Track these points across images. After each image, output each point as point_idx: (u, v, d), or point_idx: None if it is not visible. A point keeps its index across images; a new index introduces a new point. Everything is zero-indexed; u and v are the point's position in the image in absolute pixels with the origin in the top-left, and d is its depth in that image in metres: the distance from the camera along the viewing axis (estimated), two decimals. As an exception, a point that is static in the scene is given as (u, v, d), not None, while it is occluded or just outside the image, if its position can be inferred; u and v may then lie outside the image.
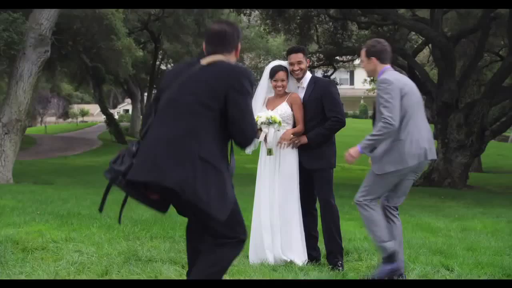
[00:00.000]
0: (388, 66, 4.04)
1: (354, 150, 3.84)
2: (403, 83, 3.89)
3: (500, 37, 18.88)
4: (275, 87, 4.60)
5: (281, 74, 4.58)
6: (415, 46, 19.25)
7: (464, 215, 8.27)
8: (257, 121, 4.39)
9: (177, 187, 2.54)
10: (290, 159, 4.51)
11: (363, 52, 4.09)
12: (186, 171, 2.56)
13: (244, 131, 2.71)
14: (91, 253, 4.12)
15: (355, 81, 46.74)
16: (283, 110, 4.54)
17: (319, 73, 30.39)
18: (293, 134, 4.50)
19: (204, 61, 2.79)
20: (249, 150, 4.79)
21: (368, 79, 26.48)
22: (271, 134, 4.42)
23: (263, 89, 4.71)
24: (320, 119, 4.43)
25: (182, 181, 2.54)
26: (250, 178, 4.79)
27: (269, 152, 4.46)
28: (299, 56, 4.59)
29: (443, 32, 15.10)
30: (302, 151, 4.51)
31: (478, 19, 14.07)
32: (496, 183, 16.52)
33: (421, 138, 3.87)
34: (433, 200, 10.91)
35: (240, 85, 2.70)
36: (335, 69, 21.06)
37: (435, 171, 15.07)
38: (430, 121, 21.92)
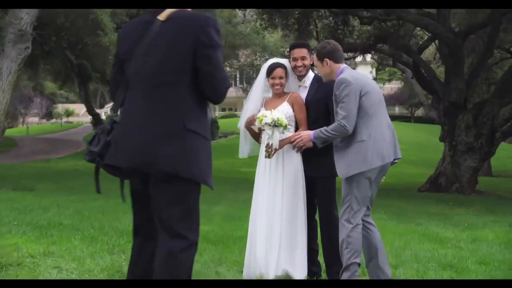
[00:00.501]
0: (344, 65, 4.14)
1: (306, 135, 4.08)
2: (363, 82, 4.01)
3: (511, 33, 18.85)
4: (272, 85, 4.50)
5: (279, 71, 4.48)
6: (421, 42, 19.18)
7: (474, 223, 8.21)
8: (261, 120, 4.29)
9: (169, 168, 2.52)
10: (294, 165, 4.40)
11: (315, 57, 4.17)
12: (176, 149, 2.54)
13: (216, 87, 2.66)
14: (71, 270, 4.00)
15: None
16: (285, 111, 4.44)
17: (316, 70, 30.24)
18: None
19: (162, 17, 2.70)
20: (244, 154, 4.70)
21: (371, 76, 26.52)
22: (276, 138, 4.31)
23: (259, 88, 4.60)
24: (324, 121, 4.33)
25: (175, 160, 2.53)
26: (247, 183, 4.68)
27: (268, 156, 4.34)
28: (303, 52, 4.50)
29: (450, 28, 15.04)
30: (304, 157, 4.41)
31: (488, 14, 14.00)
32: (507, 188, 16.48)
33: (383, 138, 4.00)
34: (440, 207, 10.86)
35: (208, 38, 2.63)
36: (335, 67, 20.89)
37: (442, 175, 15.02)
38: (436, 122, 22.02)
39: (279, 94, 4.52)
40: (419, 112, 44.70)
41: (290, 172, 4.37)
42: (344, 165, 3.99)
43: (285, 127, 4.29)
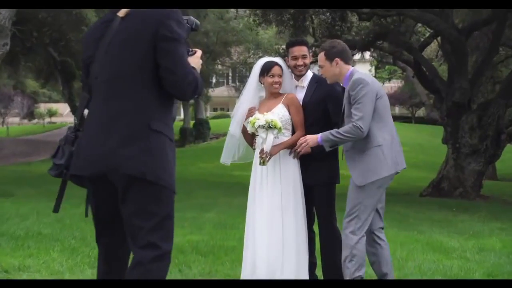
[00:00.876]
0: (352, 67, 4.14)
1: (312, 139, 3.97)
2: (378, 85, 4.04)
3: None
4: (271, 84, 4.39)
5: (278, 69, 4.39)
6: (422, 39, 19.13)
7: (480, 231, 8.15)
8: (253, 124, 4.19)
9: (135, 171, 2.46)
10: (292, 172, 4.30)
11: (322, 56, 4.09)
12: (141, 151, 2.49)
13: (177, 84, 2.58)
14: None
15: (355, 78, 46.52)
16: (281, 114, 4.34)
17: (315, 69, 30.21)
18: (293, 143, 4.27)
19: (121, 13, 2.65)
20: (227, 161, 4.60)
21: (369, 73, 26.29)
22: (269, 141, 4.20)
23: (252, 89, 4.50)
24: (323, 124, 4.23)
25: (140, 163, 2.48)
26: (240, 188, 4.59)
27: (262, 162, 4.23)
28: (304, 49, 4.43)
29: (454, 24, 14.98)
30: (301, 163, 4.31)
31: (493, 10, 13.94)
32: (512, 192, 16.45)
33: (396, 144, 4.03)
34: (444, 213, 10.80)
35: (169, 31, 2.57)
36: (333, 65, 20.82)
37: (445, 179, 14.95)
38: (439, 123, 21.97)
39: (274, 95, 4.42)
40: (420, 112, 44.74)
41: (288, 179, 4.27)
42: (360, 171, 3.93)
43: (280, 129, 4.20)
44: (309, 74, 4.49)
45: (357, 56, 23.11)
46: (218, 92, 46.27)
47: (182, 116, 38.98)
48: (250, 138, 4.43)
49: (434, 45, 23.21)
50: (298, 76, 4.48)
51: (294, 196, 4.25)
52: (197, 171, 20.43)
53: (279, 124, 4.19)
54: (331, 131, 3.96)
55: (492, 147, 14.57)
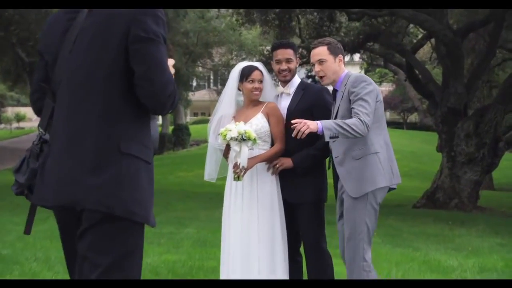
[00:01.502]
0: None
1: (313, 124, 3.67)
2: (378, 88, 3.97)
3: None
4: (250, 90, 4.24)
5: (258, 74, 4.25)
6: (415, 41, 19.10)
7: (479, 248, 8.03)
8: (225, 136, 4.00)
9: (101, 206, 2.18)
10: (269, 186, 4.14)
11: (324, 50, 3.98)
12: (108, 180, 2.19)
13: (155, 95, 2.28)
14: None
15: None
16: (259, 124, 4.17)
17: (301, 73, 30.37)
18: (271, 157, 4.11)
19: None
20: (212, 176, 4.41)
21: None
22: (244, 155, 4.02)
23: (229, 96, 4.34)
24: (308, 136, 4.05)
25: (107, 195, 2.18)
26: (221, 198, 4.43)
27: (237, 178, 4.06)
28: (289, 53, 4.27)
29: (448, 25, 14.93)
30: (283, 179, 4.12)
31: (489, 10, 13.92)
32: (510, 204, 16.42)
33: (391, 154, 3.92)
34: (439, 227, 10.69)
35: (143, 29, 2.24)
36: (321, 68, 20.73)
37: (440, 189, 14.88)
38: (432, 129, 21.97)
39: (254, 103, 4.25)
40: (413, 117, 44.88)
41: (265, 197, 4.11)
42: (355, 181, 3.79)
43: (254, 141, 4.01)
44: (296, 80, 4.34)
45: (346, 58, 22.92)
46: (199, 96, 46.10)
47: (160, 121, 38.68)
48: (227, 150, 4.26)
49: (427, 47, 23.23)
50: (283, 82, 4.32)
51: (272, 216, 4.08)
52: (176, 181, 20.19)
53: (253, 135, 4.01)
54: (333, 120, 3.77)
55: (490, 156, 14.50)
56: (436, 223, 11.26)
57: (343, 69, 4.05)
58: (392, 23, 16.91)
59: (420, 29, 19.31)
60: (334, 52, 4.01)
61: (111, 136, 2.24)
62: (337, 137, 3.70)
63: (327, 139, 3.70)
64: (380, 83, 38.19)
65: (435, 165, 19.68)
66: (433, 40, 18.39)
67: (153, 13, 2.28)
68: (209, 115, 57.76)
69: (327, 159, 4.15)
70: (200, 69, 37.57)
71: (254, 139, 4.02)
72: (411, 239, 8.87)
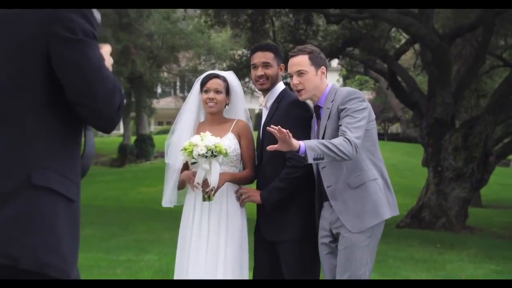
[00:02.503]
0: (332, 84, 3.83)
1: (295, 143, 3.35)
2: (371, 107, 3.69)
3: (503, 36, 18.88)
4: (205, 101, 3.92)
5: (215, 83, 3.94)
6: (398, 46, 19.01)
7: (473, 275, 7.85)
8: (190, 152, 3.65)
9: (3, 258, 1.78)
10: (238, 209, 3.89)
11: (305, 60, 3.64)
12: (14, 222, 1.79)
13: (103, 114, 1.93)
14: None
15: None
16: (232, 146, 3.91)
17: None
18: (241, 180, 3.79)
19: None
20: (170, 202, 4.07)
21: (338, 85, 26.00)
22: (215, 172, 3.68)
23: (191, 109, 4.01)
24: (278, 162, 3.78)
25: (9, 242, 1.78)
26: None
27: (207, 198, 3.73)
28: (267, 56, 3.93)
29: (435, 29, 14.82)
30: (258, 213, 3.85)
31: (479, 13, 13.81)
32: (501, 223, 16.31)
33: (389, 181, 3.67)
34: (427, 251, 10.49)
35: (68, 28, 1.86)
36: (296, 74, 20.58)
37: (426, 207, 14.69)
38: (415, 140, 21.84)
39: (218, 120, 3.93)
40: (394, 128, 44.97)
41: (235, 217, 3.83)
42: (355, 214, 3.48)
43: (226, 154, 3.69)
44: (277, 90, 3.98)
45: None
46: (164, 104, 45.56)
47: (121, 131, 38.15)
48: (185, 168, 3.92)
49: (409, 54, 23.20)
50: (262, 92, 3.96)
51: (241, 247, 3.82)
52: (138, 197, 19.72)
53: (224, 148, 3.69)
54: (323, 141, 3.42)
55: (479, 171, 14.35)
56: (423, 246, 11.05)
57: (326, 82, 3.75)
58: (373, 26, 16.74)
59: (403, 34, 19.26)
60: (316, 62, 3.69)
61: (20, 162, 1.84)
62: (322, 158, 3.36)
63: (310, 160, 3.35)
64: (360, 91, 38.17)
65: (418, 180, 19.58)
66: (417, 45, 18.36)
67: (81, 10, 1.91)
68: (176, 124, 57.92)
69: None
70: (166, 74, 37.11)
71: (226, 153, 3.73)
72: (398, 266, 8.62)
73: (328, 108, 3.60)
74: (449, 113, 14.54)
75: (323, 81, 3.72)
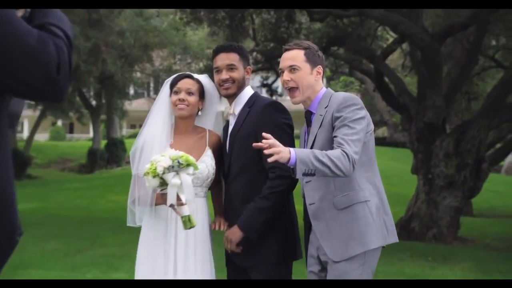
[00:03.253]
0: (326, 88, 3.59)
1: (285, 152, 3.04)
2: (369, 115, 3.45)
3: (494, 36, 18.85)
4: (174, 103, 3.69)
5: (187, 83, 3.72)
6: (385, 46, 18.89)
7: (469, 293, 7.59)
8: (154, 174, 3.36)
9: None
10: (207, 232, 3.70)
11: (300, 55, 3.39)
12: None
13: (39, 91, 1.65)
14: None
15: (303, 90, 46.57)
16: (212, 166, 3.70)
17: (256, 80, 29.91)
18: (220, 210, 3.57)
19: None
20: (136, 221, 3.80)
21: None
22: (188, 186, 3.39)
23: (161, 115, 3.75)
24: (251, 175, 3.55)
25: None
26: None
27: (188, 222, 3.43)
28: (232, 58, 3.71)
29: (425, 28, 14.71)
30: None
31: (472, 11, 13.70)
32: (494, 234, 16.25)
33: (385, 203, 3.37)
34: (418, 265, 10.36)
35: None
36: (278, 75, 20.39)
37: (415, 217, 14.57)
38: (401, 145, 21.71)
39: (189, 128, 3.70)
40: (380, 132, 44.96)
41: (204, 242, 3.63)
42: (338, 240, 3.21)
43: (195, 166, 3.40)
44: (245, 95, 3.76)
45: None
46: (137, 106, 45.26)
47: (91, 134, 37.74)
48: (160, 198, 3.63)
49: (396, 54, 23.12)
50: (227, 98, 3.73)
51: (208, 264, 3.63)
52: (108, 206, 19.31)
53: (191, 159, 3.39)
54: (317, 152, 3.10)
55: (472, 179, 14.27)
56: (414, 260, 10.92)
57: (322, 85, 3.50)
58: (360, 25, 16.60)
59: (390, 33, 19.15)
60: (312, 60, 3.44)
61: None
62: (313, 174, 3.08)
63: (299, 176, 3.08)
64: (357, 97, 38.22)
65: (406, 187, 19.48)
66: (405, 45, 18.26)
67: None
68: (149, 127, 58.12)
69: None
70: (138, 74, 36.77)
71: (195, 165, 3.43)
72: (388, 283, 8.40)
73: (320, 115, 3.36)
74: (440, 117, 14.43)
75: (318, 82, 3.48)
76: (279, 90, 23.13)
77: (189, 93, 3.70)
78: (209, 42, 27.35)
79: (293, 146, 3.47)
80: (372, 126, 3.37)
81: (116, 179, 26.52)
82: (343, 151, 3.10)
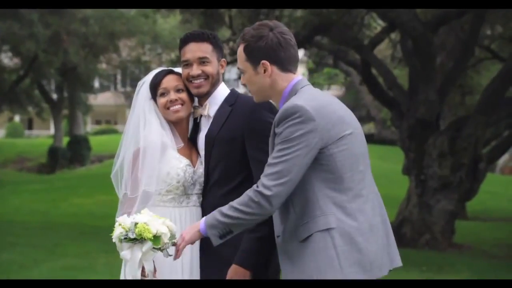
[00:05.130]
0: (300, 77, 3.15)
1: (192, 230, 3.03)
2: (338, 116, 3.00)
3: (490, 24, 18.80)
4: (165, 107, 3.43)
5: (172, 80, 3.46)
6: (372, 35, 18.82)
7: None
8: (120, 238, 3.10)
9: None
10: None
11: (240, 53, 3.09)
12: None
13: None
14: None
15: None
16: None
17: (232, 73, 29.75)
18: None
19: None
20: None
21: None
22: (131, 266, 3.11)
23: (151, 117, 3.52)
24: (238, 183, 3.35)
25: None
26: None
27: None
28: (204, 49, 3.43)
29: (417, 16, 14.62)
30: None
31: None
32: (491, 239, 16.27)
33: (369, 226, 2.96)
34: (412, 275, 10.28)
35: None
36: (256, 67, 20.33)
37: (407, 223, 14.56)
38: (389, 142, 21.64)
39: (186, 131, 3.49)
40: (366, 128, 45.13)
41: None
42: (304, 276, 2.92)
43: (156, 241, 3.04)
44: (221, 93, 3.51)
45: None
46: (102, 100, 45.02)
47: (52, 131, 37.37)
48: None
49: (384, 44, 23.10)
50: (198, 97, 3.48)
51: None
52: (70, 211, 19.08)
53: (151, 232, 3.01)
54: (223, 207, 2.94)
55: (468, 180, 14.29)
56: (407, 269, 10.73)
57: (285, 78, 3.10)
58: (346, 12, 16.46)
59: (378, 21, 19.05)
60: (253, 56, 3.08)
61: None
62: (231, 232, 2.94)
63: (216, 242, 2.97)
64: (328, 86, 38.21)
65: (395, 189, 19.40)
66: (393, 34, 18.16)
67: None
68: (115, 123, 57.24)
69: None
70: (104, 66, 36.55)
71: (158, 239, 3.05)
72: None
73: (273, 124, 3.07)
74: (433, 112, 14.40)
75: (275, 78, 3.11)
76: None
77: (178, 90, 3.45)
78: (182, 31, 27.02)
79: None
80: (343, 130, 2.99)
81: (79, 180, 26.33)
82: (255, 190, 2.88)
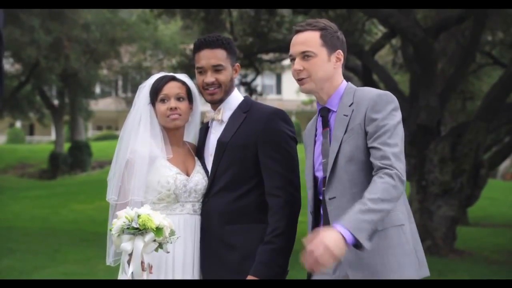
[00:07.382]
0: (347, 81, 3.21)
1: (335, 242, 2.69)
2: None
3: (490, 30, 18.80)
4: (164, 114, 3.41)
5: (175, 87, 3.43)
6: (373, 41, 18.84)
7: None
8: (111, 230, 3.13)
9: None
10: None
11: (315, 38, 3.03)
12: None
13: None
14: None
15: (284, 89, 46.65)
16: (205, 178, 3.53)
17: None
18: None
19: None
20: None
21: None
22: (135, 257, 3.08)
23: (141, 128, 3.47)
24: (244, 191, 3.30)
25: None
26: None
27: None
28: (218, 56, 3.41)
29: (417, 22, 14.66)
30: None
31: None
32: (493, 245, 16.25)
33: (415, 228, 3.18)
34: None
35: None
36: (257, 73, 20.35)
37: (408, 228, 14.44)
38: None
39: (181, 140, 3.47)
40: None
41: None
42: (372, 270, 2.92)
43: (158, 233, 3.05)
44: (234, 99, 3.49)
45: (288, 61, 22.68)
46: (103, 106, 44.98)
47: (53, 137, 37.32)
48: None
49: (384, 50, 23.12)
50: (211, 103, 3.46)
51: None
52: (71, 217, 19.03)
53: (155, 222, 3.02)
54: (355, 207, 2.79)
55: (469, 186, 14.26)
56: (408, 276, 10.75)
57: (341, 78, 3.14)
58: (347, 18, 16.49)
59: (379, 27, 19.07)
60: (330, 43, 3.08)
61: None
62: (376, 231, 2.84)
63: (369, 247, 2.78)
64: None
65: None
66: (394, 40, 18.16)
67: None
68: (116, 129, 57.36)
69: None
70: (105, 72, 36.48)
71: (157, 231, 3.07)
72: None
73: (345, 115, 3.02)
74: (434, 118, 14.38)
75: (337, 72, 3.13)
76: (259, 89, 23.06)
77: (179, 98, 3.42)
78: (183, 37, 27.18)
79: (297, 164, 3.27)
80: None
81: (80, 186, 26.27)
82: (388, 174, 2.82)
